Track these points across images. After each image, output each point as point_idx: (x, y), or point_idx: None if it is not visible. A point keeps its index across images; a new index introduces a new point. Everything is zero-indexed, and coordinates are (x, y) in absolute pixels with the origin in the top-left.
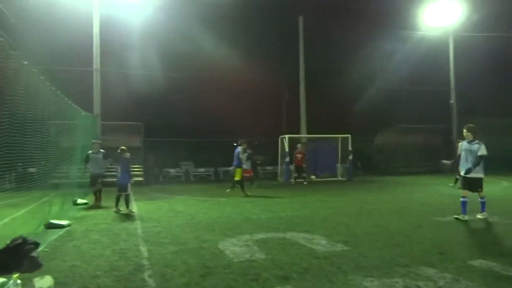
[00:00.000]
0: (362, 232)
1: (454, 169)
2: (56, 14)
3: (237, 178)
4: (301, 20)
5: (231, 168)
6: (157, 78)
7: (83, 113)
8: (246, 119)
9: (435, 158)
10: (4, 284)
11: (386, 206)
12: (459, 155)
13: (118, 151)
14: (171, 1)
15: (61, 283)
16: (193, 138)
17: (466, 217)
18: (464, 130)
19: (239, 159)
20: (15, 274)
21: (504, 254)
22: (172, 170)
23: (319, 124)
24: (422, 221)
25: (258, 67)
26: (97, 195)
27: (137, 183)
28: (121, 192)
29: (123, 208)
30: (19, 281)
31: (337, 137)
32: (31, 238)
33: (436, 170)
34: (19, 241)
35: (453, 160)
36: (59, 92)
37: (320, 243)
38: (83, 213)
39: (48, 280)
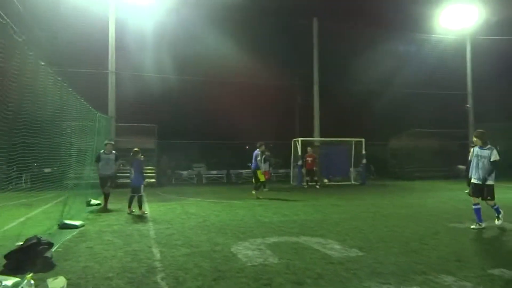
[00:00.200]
0: (377, 238)
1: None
2: (72, 17)
3: (261, 179)
4: (315, 22)
5: (244, 171)
6: (170, 80)
7: (98, 115)
8: (259, 122)
9: (451, 163)
10: (18, 284)
11: (401, 211)
12: (470, 161)
13: (131, 153)
14: (185, 5)
15: (74, 284)
16: (205, 141)
17: (483, 225)
18: (474, 136)
19: (257, 161)
20: (28, 274)
21: None
22: (184, 172)
23: (332, 128)
24: (439, 227)
25: (272, 70)
26: (106, 197)
27: (150, 185)
28: (134, 193)
29: (136, 210)
30: (32, 282)
31: (351, 141)
32: (45, 238)
33: (451, 176)
34: (33, 241)
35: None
36: (75, 93)
37: (334, 248)
38: (96, 214)
39: (61, 281)
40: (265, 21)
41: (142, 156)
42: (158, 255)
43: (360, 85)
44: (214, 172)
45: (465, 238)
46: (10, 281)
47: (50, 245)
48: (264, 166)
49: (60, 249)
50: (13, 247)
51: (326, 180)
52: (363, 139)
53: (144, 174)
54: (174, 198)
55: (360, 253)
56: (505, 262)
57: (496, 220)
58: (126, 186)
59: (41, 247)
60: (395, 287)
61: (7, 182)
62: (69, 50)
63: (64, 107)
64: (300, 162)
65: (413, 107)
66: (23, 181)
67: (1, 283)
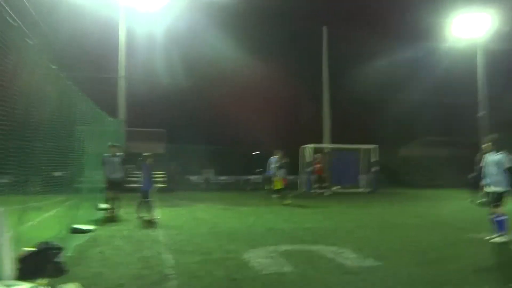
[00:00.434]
0: (393, 247)
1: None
2: (83, 22)
3: (278, 187)
4: (325, 30)
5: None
6: (180, 85)
7: (109, 119)
8: (267, 128)
9: (462, 172)
10: None
11: (415, 220)
12: (480, 169)
13: (140, 158)
14: (195, 11)
15: None
16: (214, 146)
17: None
18: (487, 141)
19: (273, 168)
20: (39, 279)
21: None
22: (193, 177)
23: (342, 135)
24: (455, 237)
25: (281, 76)
26: (111, 205)
27: (159, 190)
28: (144, 198)
29: (145, 215)
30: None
31: (361, 148)
32: (56, 242)
33: (463, 184)
34: (44, 246)
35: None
36: (86, 97)
37: (349, 258)
38: (106, 219)
39: (72, 287)
40: (275, 27)
41: (152, 160)
42: (169, 262)
43: (371, 93)
44: (224, 177)
45: (483, 250)
46: (24, 286)
47: (61, 250)
48: (280, 173)
49: (71, 254)
50: (23, 251)
51: (336, 187)
52: (376, 146)
53: (154, 179)
54: (184, 204)
55: (376, 263)
56: None
57: (494, 235)
58: (135, 191)
59: (52, 251)
60: None
61: (17, 185)
62: (80, 55)
63: (75, 111)
64: (309, 169)
65: (425, 115)
66: (32, 185)
67: None
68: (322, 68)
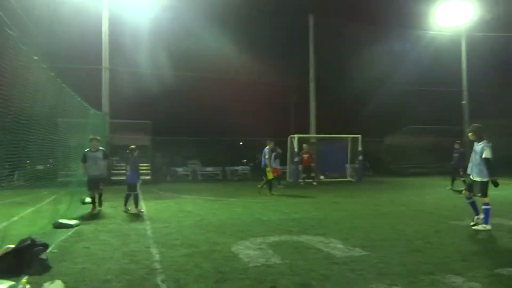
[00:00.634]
0: (379, 236)
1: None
2: (65, 12)
3: (269, 177)
4: (311, 19)
5: (240, 167)
6: (165, 76)
7: (92, 111)
8: (254, 119)
9: (446, 160)
10: (13, 287)
11: (401, 208)
12: (456, 157)
13: (127, 150)
14: (180, 0)
15: None
16: (200, 137)
17: (489, 227)
18: (468, 131)
19: (265, 159)
20: (23, 277)
21: None
22: (179, 169)
23: (328, 125)
24: (440, 225)
25: (267, 67)
26: (94, 201)
27: (145, 182)
28: (130, 191)
29: (131, 208)
30: (28, 286)
31: (347, 138)
32: (39, 238)
33: (447, 172)
34: (28, 242)
35: (452, 162)
36: (68, 89)
37: (337, 247)
38: (91, 213)
39: (58, 284)
40: (261, 18)
41: (137, 153)
42: (157, 256)
43: (355, 82)
44: (210, 169)
45: (467, 237)
46: (4, 285)
47: (46, 246)
48: (274, 163)
49: (55, 250)
50: (5, 249)
51: (322, 177)
52: (359, 136)
53: (140, 171)
54: (170, 196)
55: (364, 253)
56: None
57: (476, 219)
58: (121, 183)
59: (36, 248)
60: None
61: None
62: (63, 46)
63: (57, 103)
64: (296, 159)
65: (408, 104)
66: (15, 179)
67: None
68: (309, 57)
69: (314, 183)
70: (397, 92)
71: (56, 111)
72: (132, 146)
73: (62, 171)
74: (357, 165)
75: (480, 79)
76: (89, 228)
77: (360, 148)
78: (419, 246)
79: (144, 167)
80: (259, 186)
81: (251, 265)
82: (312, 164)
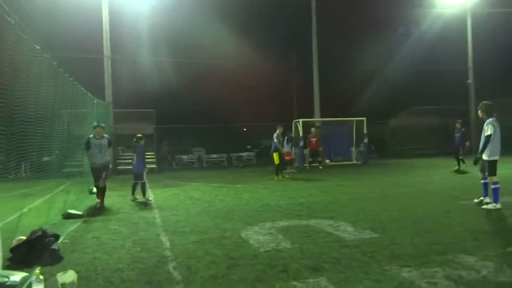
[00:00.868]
0: (389, 218)
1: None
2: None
3: (276, 161)
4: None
5: (245, 153)
6: (168, 64)
7: (95, 101)
8: (257, 105)
9: (452, 140)
10: (26, 279)
11: (408, 190)
12: (458, 137)
13: (134, 139)
14: None
15: (83, 277)
16: (204, 124)
17: (498, 205)
18: (478, 108)
19: (275, 143)
20: (36, 268)
21: None
22: (184, 157)
23: (332, 108)
24: (449, 205)
25: (269, 52)
26: (100, 192)
27: (150, 171)
28: (137, 180)
29: (139, 197)
30: (41, 277)
31: (352, 121)
32: (50, 229)
33: (450, 153)
34: (39, 233)
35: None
36: (72, 79)
37: (347, 230)
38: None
39: (71, 274)
40: (263, 1)
41: (144, 142)
42: (167, 244)
43: (360, 64)
44: (215, 156)
45: (477, 216)
46: (17, 276)
47: (57, 237)
48: (287, 147)
49: (66, 241)
50: (17, 240)
51: (328, 161)
52: (364, 119)
53: (146, 160)
54: (177, 184)
55: (374, 235)
56: None
57: (481, 198)
58: (127, 173)
59: (47, 239)
60: (416, 270)
61: (6, 172)
62: (64, 35)
63: (61, 93)
64: (301, 143)
65: (412, 85)
66: (22, 171)
67: (9, 278)
68: (312, 40)
69: (320, 167)
70: (401, 73)
71: (60, 102)
72: (139, 135)
73: (69, 161)
74: (362, 148)
75: (486, 57)
76: (98, 217)
77: (365, 131)
78: (429, 226)
79: (149, 155)
80: (277, 177)
81: (261, 250)
82: (320, 148)
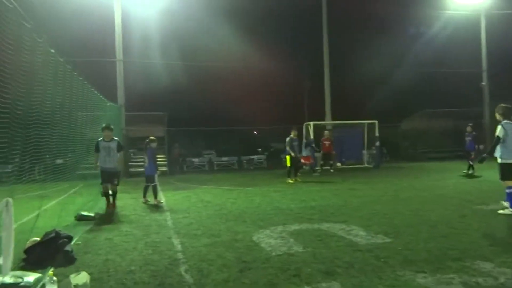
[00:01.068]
0: (402, 223)
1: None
2: (78, 5)
3: (288, 164)
4: (324, 1)
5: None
6: (179, 67)
7: (108, 104)
8: (267, 108)
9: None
10: (39, 280)
11: (421, 193)
12: (469, 140)
13: (146, 141)
14: None
15: (96, 279)
16: (215, 127)
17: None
18: (496, 111)
19: (289, 147)
20: (49, 269)
21: None
22: (195, 160)
23: (343, 110)
24: (464, 210)
25: (279, 55)
26: (109, 197)
27: (162, 173)
28: (149, 182)
29: (151, 199)
30: (55, 278)
31: (364, 123)
32: (63, 231)
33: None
34: (53, 235)
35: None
36: (86, 82)
37: (359, 235)
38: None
39: (84, 276)
40: (273, 4)
41: (155, 144)
42: (179, 246)
43: (371, 65)
44: (225, 158)
45: (494, 221)
46: (31, 277)
47: (70, 238)
48: (306, 151)
49: (79, 242)
50: (32, 241)
51: (339, 164)
52: (376, 122)
53: (158, 162)
54: (188, 186)
55: (388, 239)
56: None
57: (503, 203)
58: (139, 175)
59: (61, 241)
60: (432, 276)
61: (21, 174)
62: (77, 39)
63: (75, 97)
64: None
65: (425, 87)
66: (36, 173)
67: (23, 279)
68: (323, 42)
69: (332, 170)
70: (413, 75)
71: (75, 104)
72: (151, 138)
73: (82, 164)
74: (374, 151)
75: (500, 58)
76: (111, 220)
77: (377, 134)
78: (444, 231)
79: (160, 158)
80: (288, 180)
81: (273, 254)
82: (333, 152)
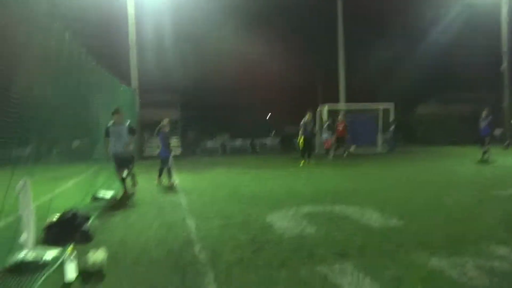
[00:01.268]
0: (417, 207)
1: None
2: None
3: (301, 147)
4: None
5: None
6: (192, 52)
7: (122, 87)
8: (281, 91)
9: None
10: (59, 256)
11: (437, 178)
12: (484, 126)
13: (159, 126)
14: None
15: (112, 257)
16: (229, 110)
17: None
18: None
19: (302, 129)
20: (69, 246)
21: None
22: (209, 142)
23: (357, 95)
24: (481, 195)
25: (294, 37)
26: (125, 183)
27: (176, 156)
28: (164, 165)
29: (165, 181)
30: (74, 254)
31: (378, 107)
32: (81, 211)
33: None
34: (70, 214)
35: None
36: (100, 66)
37: (373, 218)
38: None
39: (101, 253)
40: None
41: (169, 127)
42: (192, 227)
43: (387, 50)
44: (239, 142)
45: (511, 207)
46: (50, 254)
47: (87, 218)
48: (327, 134)
49: (96, 221)
50: (51, 220)
51: (352, 148)
52: (392, 103)
53: (171, 145)
54: (201, 169)
55: (402, 223)
56: None
57: None
58: (154, 158)
59: (78, 220)
60: (446, 259)
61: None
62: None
63: (91, 80)
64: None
65: (442, 72)
66: (54, 154)
67: (42, 257)
68: (338, 26)
69: (345, 155)
70: (430, 59)
71: (90, 88)
72: (164, 121)
73: (97, 146)
74: (388, 136)
75: None
76: (126, 200)
77: (392, 118)
78: (460, 216)
79: (174, 141)
80: (305, 162)
81: (286, 235)
82: (348, 136)
